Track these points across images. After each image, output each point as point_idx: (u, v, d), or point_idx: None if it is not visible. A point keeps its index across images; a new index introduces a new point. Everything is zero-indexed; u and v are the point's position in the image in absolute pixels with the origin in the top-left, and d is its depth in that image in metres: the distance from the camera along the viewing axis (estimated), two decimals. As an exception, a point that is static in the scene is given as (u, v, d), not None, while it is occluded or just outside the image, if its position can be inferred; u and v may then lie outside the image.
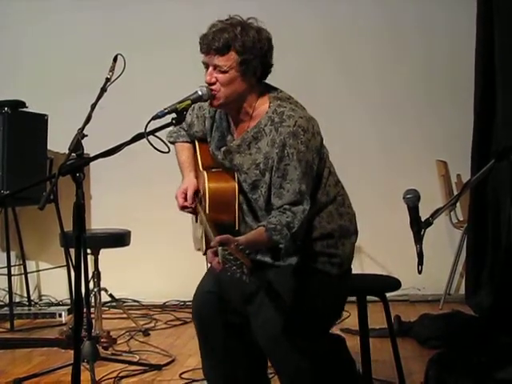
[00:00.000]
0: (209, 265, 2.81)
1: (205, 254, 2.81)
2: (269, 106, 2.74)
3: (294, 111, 2.71)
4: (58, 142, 5.51)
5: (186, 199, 2.89)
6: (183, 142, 3.04)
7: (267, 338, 2.69)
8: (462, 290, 5.93)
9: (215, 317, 2.92)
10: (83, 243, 2.59)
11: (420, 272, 2.47)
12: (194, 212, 2.94)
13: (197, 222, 3.01)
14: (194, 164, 3.00)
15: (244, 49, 2.66)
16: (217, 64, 2.67)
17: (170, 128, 2.78)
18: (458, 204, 5.85)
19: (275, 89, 2.83)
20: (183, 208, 2.91)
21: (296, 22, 6.06)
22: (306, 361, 2.69)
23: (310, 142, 2.67)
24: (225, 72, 2.66)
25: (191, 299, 6.22)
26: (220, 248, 2.33)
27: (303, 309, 2.71)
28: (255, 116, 2.75)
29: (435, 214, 2.43)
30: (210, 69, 2.69)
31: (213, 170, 2.85)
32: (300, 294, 2.73)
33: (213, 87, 2.67)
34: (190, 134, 3.01)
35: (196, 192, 2.90)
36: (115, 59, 3.13)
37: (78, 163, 2.57)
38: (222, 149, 2.82)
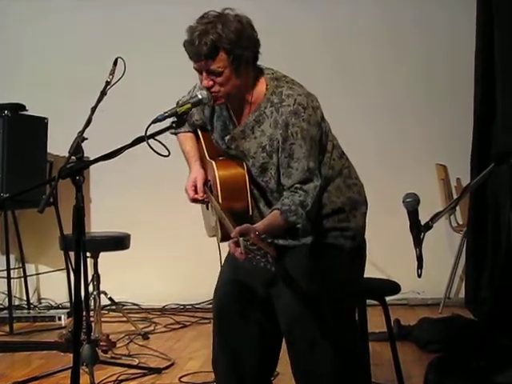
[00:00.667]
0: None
1: (222, 241, 2.79)
2: (266, 88, 2.74)
3: (291, 89, 2.72)
4: (57, 145, 5.52)
5: (196, 191, 2.89)
6: (185, 132, 3.02)
7: (287, 321, 2.73)
8: (462, 294, 5.93)
9: (234, 308, 2.91)
10: (83, 246, 2.60)
11: (420, 276, 2.46)
12: (205, 202, 2.94)
13: (208, 209, 3.00)
14: (198, 153, 3.00)
15: (232, 46, 2.62)
16: (210, 69, 2.65)
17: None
18: (457, 208, 5.86)
19: (269, 69, 2.84)
20: (194, 200, 2.91)
21: (295, 22, 6.06)
22: (325, 343, 2.70)
23: (311, 118, 2.69)
24: (220, 73, 2.64)
25: (191, 303, 6.27)
26: (241, 239, 2.33)
27: (320, 288, 2.73)
28: (254, 100, 2.75)
29: (435, 217, 2.43)
30: (205, 74, 2.67)
31: (220, 158, 2.85)
32: (316, 272, 2.75)
33: (212, 90, 2.66)
34: (190, 123, 2.98)
35: (205, 182, 2.91)
36: (115, 62, 3.13)
37: (77, 166, 2.57)
38: (227, 137, 2.82)
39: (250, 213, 2.76)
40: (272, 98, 2.71)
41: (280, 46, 6.02)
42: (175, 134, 3.01)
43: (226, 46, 2.61)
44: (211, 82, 2.65)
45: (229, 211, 2.62)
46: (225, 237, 2.70)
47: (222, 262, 3.08)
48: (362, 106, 5.97)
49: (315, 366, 2.75)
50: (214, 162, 2.79)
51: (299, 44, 6.06)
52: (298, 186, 2.66)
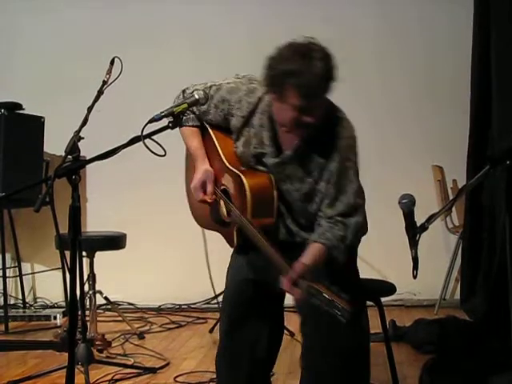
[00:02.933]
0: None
1: (232, 246, 2.88)
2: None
3: (347, 121, 2.76)
4: (54, 144, 5.52)
5: (205, 192, 2.90)
6: (191, 126, 2.99)
7: (304, 314, 2.78)
8: (457, 295, 5.94)
9: (246, 308, 2.92)
10: (78, 246, 2.59)
11: (415, 277, 2.47)
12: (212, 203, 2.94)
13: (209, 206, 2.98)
14: (205, 151, 2.98)
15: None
16: (320, 106, 2.64)
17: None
18: (453, 209, 5.87)
19: None
20: (202, 201, 2.93)
21: (295, 21, 6.06)
22: (338, 338, 2.70)
23: (358, 151, 2.75)
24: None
25: (186, 302, 6.25)
26: (305, 284, 2.40)
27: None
28: None
29: (430, 218, 2.44)
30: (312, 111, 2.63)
31: (244, 169, 2.83)
32: (333, 272, 2.74)
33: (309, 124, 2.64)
34: (200, 118, 2.96)
35: (215, 183, 2.92)
36: (112, 62, 3.14)
37: (74, 166, 2.56)
38: (271, 160, 2.80)
39: (273, 227, 2.78)
40: (328, 127, 2.71)
41: (282, 35, 6.05)
42: (180, 126, 2.92)
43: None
44: (315, 118, 2.63)
45: (260, 226, 2.67)
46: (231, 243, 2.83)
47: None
48: (361, 106, 5.96)
49: (326, 357, 2.76)
50: (242, 176, 2.76)
51: (299, 33, 6.05)
52: (339, 218, 2.70)
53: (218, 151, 2.92)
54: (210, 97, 2.82)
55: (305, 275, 2.44)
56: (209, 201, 2.91)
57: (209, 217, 3.02)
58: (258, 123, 2.82)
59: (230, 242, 2.91)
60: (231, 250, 3.05)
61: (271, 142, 2.80)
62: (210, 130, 2.97)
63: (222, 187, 2.91)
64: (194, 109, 2.88)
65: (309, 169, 2.75)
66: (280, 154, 2.79)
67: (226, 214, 2.88)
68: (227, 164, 2.87)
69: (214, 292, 5.09)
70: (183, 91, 2.94)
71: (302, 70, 2.55)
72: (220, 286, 5.94)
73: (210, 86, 2.90)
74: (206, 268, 5.93)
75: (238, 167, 2.84)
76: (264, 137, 2.81)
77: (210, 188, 2.91)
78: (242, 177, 2.76)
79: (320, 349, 2.78)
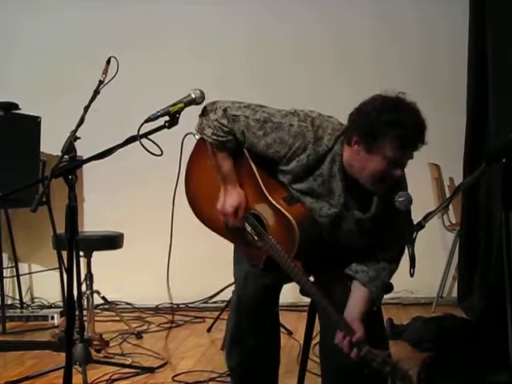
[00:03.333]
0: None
1: (255, 266, 2.94)
2: None
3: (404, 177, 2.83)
4: (50, 144, 5.51)
5: (235, 215, 2.92)
6: (228, 152, 2.93)
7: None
8: (455, 293, 5.94)
9: (265, 312, 3.03)
10: (75, 246, 2.59)
11: (412, 275, 2.47)
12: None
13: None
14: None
15: None
16: (412, 157, 2.69)
17: (215, 122, 2.82)
18: (450, 207, 5.87)
19: None
20: (229, 222, 2.95)
21: (295, 21, 6.08)
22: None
23: None
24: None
25: (184, 302, 6.24)
26: (366, 349, 2.59)
27: None
28: None
29: (427, 216, 2.44)
30: (397, 165, 2.66)
31: (284, 204, 2.83)
32: None
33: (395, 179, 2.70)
34: (242, 142, 2.89)
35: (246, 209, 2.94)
36: (108, 62, 3.13)
37: (70, 165, 2.57)
38: (332, 211, 2.81)
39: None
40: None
41: (279, 44, 6.08)
42: (216, 145, 2.90)
43: None
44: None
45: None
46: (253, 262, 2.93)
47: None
48: (359, 97, 5.96)
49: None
50: (292, 219, 2.75)
51: (299, 33, 6.09)
52: (385, 264, 2.85)
53: (255, 177, 2.90)
54: (264, 133, 2.78)
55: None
56: (240, 226, 2.92)
57: (222, 225, 3.03)
58: (328, 172, 2.78)
59: (252, 260, 2.95)
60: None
61: (343, 193, 2.79)
62: (247, 155, 2.92)
63: (253, 211, 2.91)
64: (239, 137, 2.85)
65: (374, 226, 2.81)
66: (349, 207, 2.81)
67: (255, 237, 2.90)
68: (269, 197, 2.85)
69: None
70: (224, 110, 2.84)
71: (408, 122, 2.60)
72: (217, 285, 6.01)
73: (254, 110, 2.84)
74: (203, 267, 5.95)
75: (279, 201, 2.83)
76: (335, 187, 2.79)
77: (241, 214, 2.91)
78: (292, 220, 2.75)
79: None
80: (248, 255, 2.98)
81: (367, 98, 2.71)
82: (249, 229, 2.91)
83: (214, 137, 2.86)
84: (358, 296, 2.82)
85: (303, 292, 2.93)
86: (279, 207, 2.80)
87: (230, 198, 2.91)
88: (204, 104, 2.84)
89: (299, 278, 2.73)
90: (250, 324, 2.99)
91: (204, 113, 2.88)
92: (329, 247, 2.87)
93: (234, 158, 2.94)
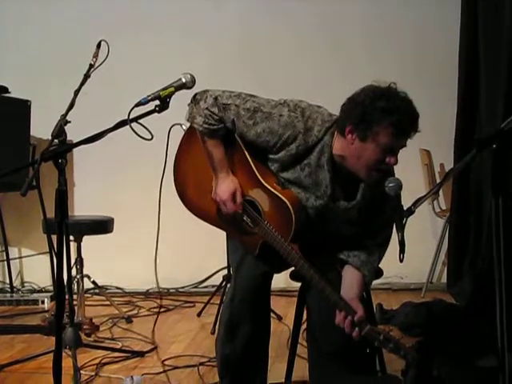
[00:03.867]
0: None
1: (251, 254, 2.95)
2: None
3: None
4: (41, 128, 5.48)
5: (234, 203, 2.93)
6: (218, 139, 2.94)
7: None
8: (444, 279, 5.97)
9: (262, 298, 3.04)
10: (65, 230, 2.59)
11: (402, 260, 2.47)
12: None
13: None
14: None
15: None
16: (403, 145, 2.72)
17: (206, 111, 2.82)
18: (441, 193, 5.89)
19: None
20: (231, 211, 2.95)
21: (283, 3, 6.07)
22: None
23: None
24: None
25: (175, 286, 6.24)
26: (368, 328, 2.64)
27: None
28: None
29: (417, 202, 2.43)
30: (394, 152, 2.69)
31: (279, 187, 2.86)
32: None
33: (391, 166, 2.72)
34: (232, 130, 2.90)
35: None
36: (99, 45, 3.12)
37: (60, 149, 2.55)
38: (319, 202, 2.84)
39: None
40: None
41: (270, 28, 6.06)
42: (207, 134, 2.91)
43: None
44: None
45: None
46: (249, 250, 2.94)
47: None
48: (350, 90, 5.95)
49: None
50: (289, 205, 2.78)
51: (289, 21, 6.08)
52: (375, 248, 2.92)
53: (248, 163, 2.91)
54: (254, 122, 2.80)
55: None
56: (240, 212, 2.93)
57: (214, 215, 3.04)
58: (316, 163, 2.80)
59: (247, 247, 2.96)
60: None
61: (329, 184, 2.81)
62: (239, 142, 2.92)
63: (248, 198, 2.93)
64: (229, 126, 2.86)
65: (361, 214, 2.84)
66: (334, 198, 2.83)
67: (250, 224, 2.92)
68: (263, 181, 2.87)
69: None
70: (215, 98, 2.85)
71: (401, 108, 2.62)
72: (208, 270, 6.01)
73: (244, 99, 2.85)
74: (194, 252, 5.96)
75: (273, 185, 2.85)
76: (322, 178, 2.81)
77: (239, 199, 2.92)
78: (289, 204, 2.78)
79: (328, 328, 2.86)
80: (243, 243, 2.99)
81: (359, 89, 2.73)
82: (244, 215, 2.92)
83: (206, 125, 2.87)
84: (352, 278, 2.86)
85: (295, 277, 2.94)
86: (274, 191, 2.82)
87: (224, 185, 2.92)
88: (194, 92, 2.85)
89: (296, 261, 2.76)
90: (245, 312, 2.99)
91: (194, 101, 2.89)
92: (320, 233, 2.90)
93: (224, 145, 2.94)
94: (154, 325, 4.64)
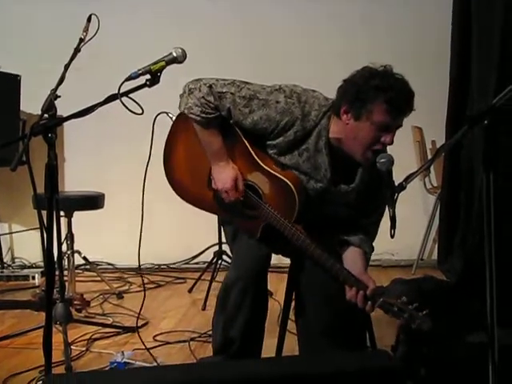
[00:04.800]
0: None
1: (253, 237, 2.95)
2: None
3: None
4: (31, 103, 5.45)
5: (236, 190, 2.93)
6: (215, 127, 2.92)
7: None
8: (435, 256, 5.99)
9: (263, 281, 3.06)
10: (55, 205, 2.58)
11: (393, 236, 2.48)
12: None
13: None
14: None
15: None
16: (399, 124, 2.72)
17: (202, 99, 2.80)
18: (432, 170, 5.89)
19: None
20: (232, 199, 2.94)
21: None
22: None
23: None
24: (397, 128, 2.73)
25: (166, 262, 6.24)
26: (381, 300, 2.65)
27: None
28: None
29: (408, 178, 2.44)
30: (389, 131, 2.69)
31: (279, 169, 2.87)
32: None
33: (386, 145, 2.72)
34: (228, 118, 2.89)
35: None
36: (89, 19, 3.09)
37: (49, 123, 2.54)
38: (319, 185, 2.86)
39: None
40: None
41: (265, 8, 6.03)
42: (203, 123, 2.90)
43: None
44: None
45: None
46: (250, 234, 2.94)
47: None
48: (345, 68, 5.92)
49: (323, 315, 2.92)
50: (291, 185, 2.79)
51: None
52: (372, 227, 2.97)
53: (246, 148, 2.90)
54: (251, 110, 2.79)
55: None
56: (241, 199, 2.93)
57: (211, 202, 3.05)
58: (314, 147, 2.81)
59: (248, 231, 2.96)
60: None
61: (328, 167, 2.82)
62: (237, 130, 2.91)
63: (248, 182, 2.93)
64: (225, 114, 2.85)
65: (359, 197, 2.87)
66: (334, 182, 2.85)
67: (251, 208, 2.92)
68: (262, 164, 2.87)
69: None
70: (210, 87, 2.83)
71: (395, 86, 2.63)
72: (199, 246, 6.02)
73: (239, 87, 2.83)
74: (185, 228, 5.95)
75: (273, 167, 2.86)
76: (320, 162, 2.82)
77: (241, 186, 2.92)
78: (292, 186, 2.79)
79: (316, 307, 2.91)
80: (243, 227, 2.99)
81: (355, 70, 2.74)
82: (245, 200, 2.93)
83: (203, 115, 2.85)
84: (354, 256, 2.89)
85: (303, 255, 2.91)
86: (274, 173, 2.83)
87: (225, 174, 2.92)
88: (186, 82, 2.88)
89: (302, 241, 2.76)
90: (249, 295, 2.98)
91: (188, 91, 2.87)
92: (319, 215, 2.91)
93: (221, 132, 2.93)
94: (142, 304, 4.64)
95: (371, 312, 2.69)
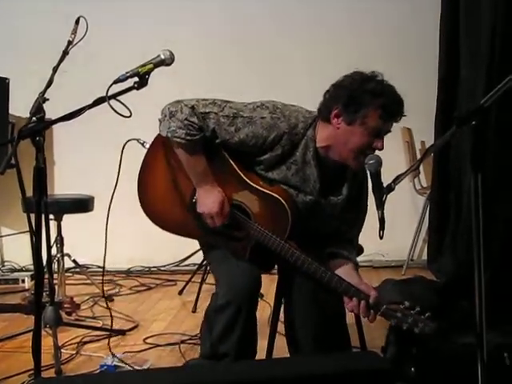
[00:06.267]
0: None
1: (242, 258, 2.90)
2: None
3: None
4: (19, 106, 5.43)
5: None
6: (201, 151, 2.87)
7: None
8: (425, 256, 6.01)
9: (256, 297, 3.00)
10: (45, 208, 2.57)
11: (381, 237, 2.49)
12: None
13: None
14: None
15: None
16: (389, 129, 2.74)
17: (185, 121, 2.76)
18: (422, 171, 5.91)
19: None
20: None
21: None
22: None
23: None
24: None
25: (155, 265, 6.22)
26: (384, 307, 2.65)
27: None
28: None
29: (397, 179, 2.44)
30: (381, 137, 2.71)
31: (267, 185, 2.85)
32: None
33: (378, 151, 2.71)
34: (212, 139, 2.85)
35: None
36: (77, 22, 3.09)
37: (37, 127, 2.54)
38: (309, 198, 2.86)
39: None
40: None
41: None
42: (191, 146, 2.84)
43: None
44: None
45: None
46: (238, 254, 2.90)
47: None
48: (332, 66, 5.93)
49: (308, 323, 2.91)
50: (283, 200, 2.77)
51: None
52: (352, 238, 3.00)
53: (232, 168, 2.87)
54: (236, 128, 2.77)
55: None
56: (228, 221, 2.90)
57: (193, 228, 3.01)
58: (302, 159, 2.81)
59: (237, 252, 2.90)
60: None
61: (316, 179, 2.83)
62: (221, 149, 2.88)
63: (235, 202, 2.90)
64: (208, 135, 2.81)
65: (344, 209, 2.88)
66: (323, 194, 2.85)
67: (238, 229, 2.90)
68: (250, 182, 2.84)
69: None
70: (192, 107, 2.78)
71: (388, 92, 2.64)
72: (189, 248, 6.00)
73: (221, 106, 2.81)
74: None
75: (260, 184, 2.84)
76: (309, 173, 2.82)
77: (227, 210, 2.88)
78: (286, 205, 2.77)
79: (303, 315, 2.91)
80: (231, 249, 2.94)
81: (342, 76, 2.73)
82: (232, 222, 2.90)
83: (188, 137, 2.80)
84: (346, 268, 2.88)
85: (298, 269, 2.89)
86: (263, 189, 2.81)
87: (211, 198, 2.88)
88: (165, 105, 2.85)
89: (296, 258, 2.74)
90: (242, 317, 2.88)
91: (169, 114, 2.81)
92: (306, 228, 2.89)
93: (205, 154, 2.90)
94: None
95: (373, 321, 2.68)
